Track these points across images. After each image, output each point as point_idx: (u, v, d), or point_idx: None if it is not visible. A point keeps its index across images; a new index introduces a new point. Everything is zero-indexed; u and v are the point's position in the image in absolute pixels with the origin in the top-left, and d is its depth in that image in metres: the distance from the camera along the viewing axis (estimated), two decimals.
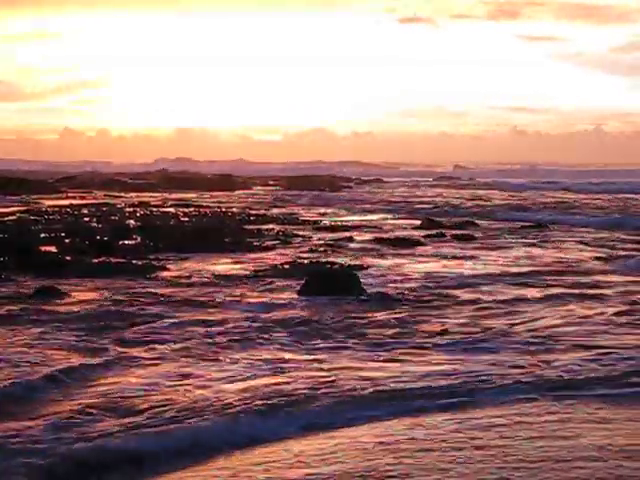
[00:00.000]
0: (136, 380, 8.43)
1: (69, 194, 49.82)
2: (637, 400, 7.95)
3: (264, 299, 13.44)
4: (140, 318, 11.64)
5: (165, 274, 16.24)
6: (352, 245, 21.96)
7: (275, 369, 8.88)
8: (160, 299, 13.21)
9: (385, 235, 24.67)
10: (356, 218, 33.97)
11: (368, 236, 24.43)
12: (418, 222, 29.57)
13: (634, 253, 20.32)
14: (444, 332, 10.84)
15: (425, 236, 24.09)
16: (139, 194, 51.32)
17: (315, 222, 29.72)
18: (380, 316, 11.99)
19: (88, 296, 13.55)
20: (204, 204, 40.20)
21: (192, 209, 35.47)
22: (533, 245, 22.51)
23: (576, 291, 14.30)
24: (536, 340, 10.39)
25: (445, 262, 18.53)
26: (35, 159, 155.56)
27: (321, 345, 10.17)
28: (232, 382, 8.34)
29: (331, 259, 18.29)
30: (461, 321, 11.69)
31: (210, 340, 10.29)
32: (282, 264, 17.28)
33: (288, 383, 8.28)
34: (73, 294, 13.69)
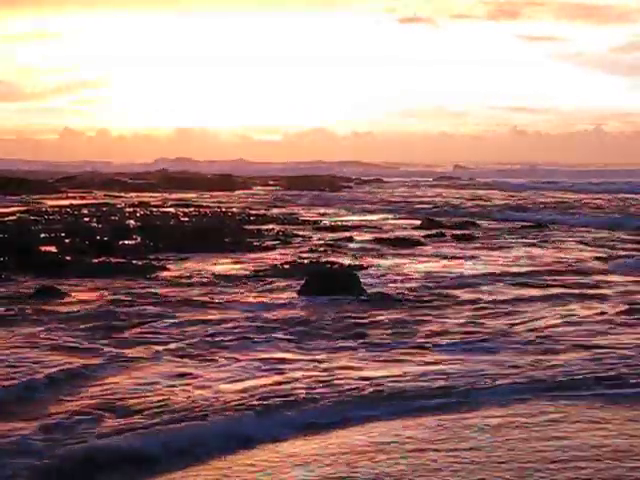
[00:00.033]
0: (136, 380, 8.42)
1: (69, 194, 49.82)
2: (637, 400, 7.94)
3: (264, 299, 13.43)
4: (140, 318, 11.63)
5: (165, 274, 16.23)
6: (352, 245, 21.96)
7: (275, 369, 8.87)
8: (160, 299, 13.21)
9: (385, 235, 24.66)
10: (356, 218, 33.96)
11: (368, 236, 24.43)
12: (418, 222, 29.57)
13: (634, 253, 20.33)
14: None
15: (425, 236, 24.09)
16: (139, 194, 51.32)
17: (315, 222, 29.71)
18: (380, 316, 11.98)
19: (88, 296, 13.55)
20: (204, 204, 40.19)
21: (192, 209, 35.47)
22: (533, 245, 22.50)
23: (576, 291, 14.31)
24: (536, 340, 10.39)
25: (445, 262, 18.53)
26: (35, 159, 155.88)
27: (321, 345, 10.16)
28: (232, 382, 8.33)
29: (331, 259, 18.30)
30: (461, 321, 11.68)
31: (210, 340, 10.29)
32: (282, 264, 17.28)
33: (287, 383, 8.28)
34: (73, 294, 13.69)
